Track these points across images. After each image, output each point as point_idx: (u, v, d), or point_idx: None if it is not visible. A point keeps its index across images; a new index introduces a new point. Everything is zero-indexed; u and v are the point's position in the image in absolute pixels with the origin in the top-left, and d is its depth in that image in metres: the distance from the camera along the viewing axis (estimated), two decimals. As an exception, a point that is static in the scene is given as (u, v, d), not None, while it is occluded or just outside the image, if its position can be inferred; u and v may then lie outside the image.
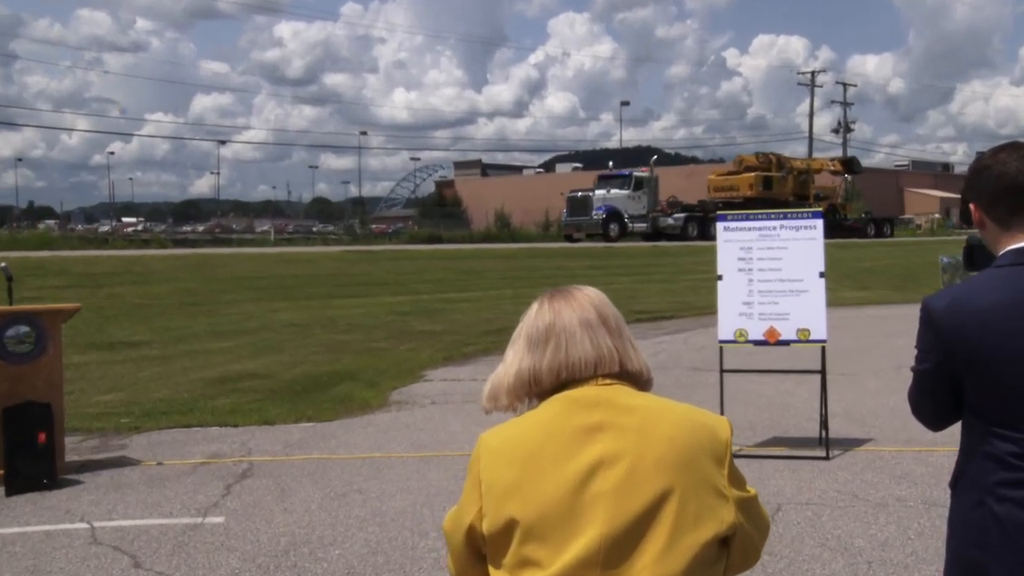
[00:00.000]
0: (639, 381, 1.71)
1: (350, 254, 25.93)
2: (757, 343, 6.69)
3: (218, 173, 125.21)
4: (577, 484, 1.57)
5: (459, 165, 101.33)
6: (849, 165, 51.41)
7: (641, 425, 1.60)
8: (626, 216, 40.17)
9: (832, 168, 50.48)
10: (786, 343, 6.65)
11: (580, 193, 41.87)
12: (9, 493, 5.81)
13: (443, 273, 22.52)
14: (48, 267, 18.62)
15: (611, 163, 50.65)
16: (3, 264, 6.42)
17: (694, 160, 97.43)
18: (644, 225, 40.58)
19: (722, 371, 6.78)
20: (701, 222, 41.23)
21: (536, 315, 1.73)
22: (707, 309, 14.53)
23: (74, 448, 6.92)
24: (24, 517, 5.40)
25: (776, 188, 45.17)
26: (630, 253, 29.87)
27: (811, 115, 66.16)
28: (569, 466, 1.58)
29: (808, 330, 6.55)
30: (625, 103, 77.31)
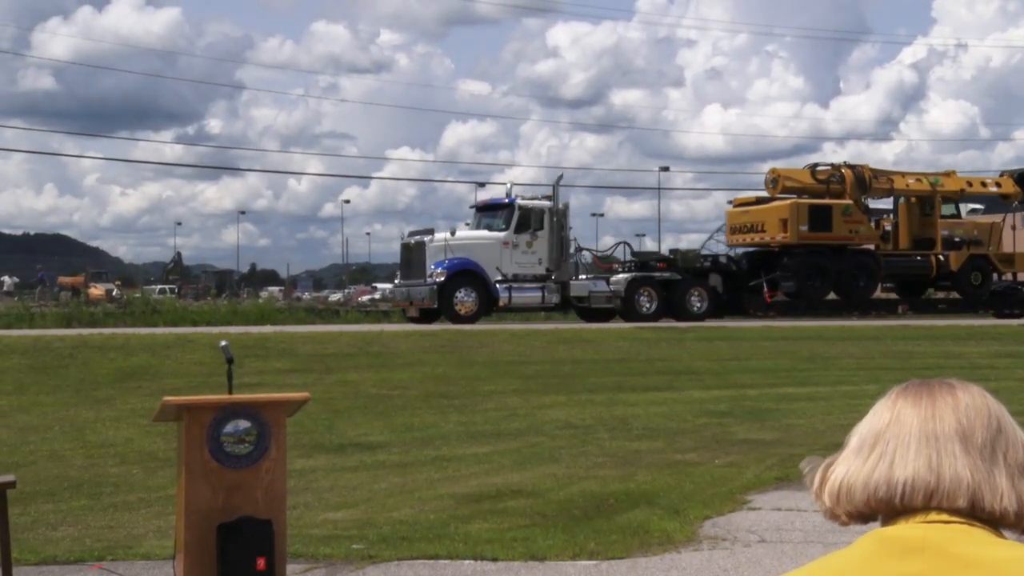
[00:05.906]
0: (1008, 525, 1.58)
1: (647, 331, 26.09)
2: None
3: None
4: None
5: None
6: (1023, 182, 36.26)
7: None
8: (500, 275, 29.17)
9: (993, 189, 36.30)
10: None
11: (414, 238, 30.78)
12: (220, 633, 6.18)
13: (776, 359, 22.08)
14: (271, 345, 20.16)
15: (509, 184, 33.51)
16: (223, 343, 6.95)
17: None
18: (537, 293, 29.67)
19: None
20: (670, 289, 31.01)
21: (876, 411, 1.68)
22: None
23: (296, 579, 7.31)
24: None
25: (840, 227, 33.05)
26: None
27: None
28: None
29: None
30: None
